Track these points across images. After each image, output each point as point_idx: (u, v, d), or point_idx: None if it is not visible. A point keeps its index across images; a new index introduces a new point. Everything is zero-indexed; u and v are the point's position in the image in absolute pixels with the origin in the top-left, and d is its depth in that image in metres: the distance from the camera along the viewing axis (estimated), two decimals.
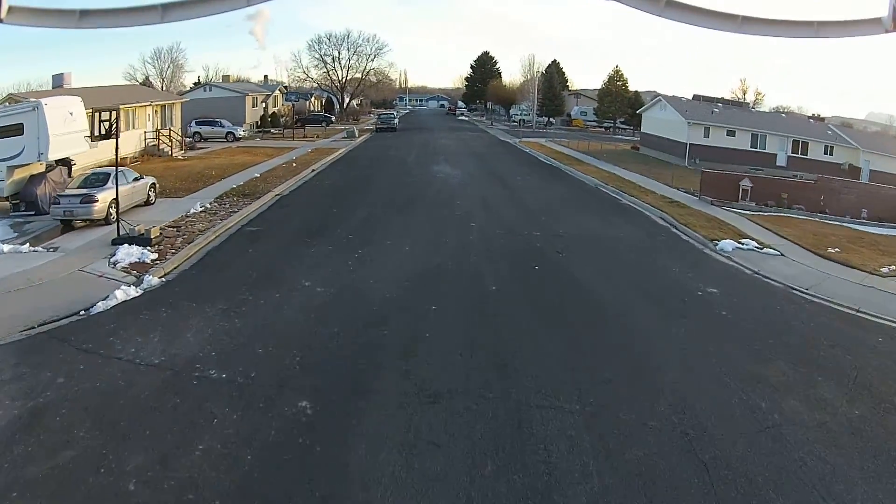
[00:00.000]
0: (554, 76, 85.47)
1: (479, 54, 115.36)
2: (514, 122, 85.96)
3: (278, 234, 16.53)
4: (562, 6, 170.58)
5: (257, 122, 56.37)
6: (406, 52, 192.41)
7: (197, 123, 45.10)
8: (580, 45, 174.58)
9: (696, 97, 48.37)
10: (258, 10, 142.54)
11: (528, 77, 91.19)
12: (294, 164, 30.51)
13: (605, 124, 79.25)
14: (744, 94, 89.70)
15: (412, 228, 17.37)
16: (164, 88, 72.71)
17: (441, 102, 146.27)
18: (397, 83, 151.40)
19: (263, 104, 58.37)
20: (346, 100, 79.84)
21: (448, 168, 31.04)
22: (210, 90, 53.96)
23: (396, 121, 65.17)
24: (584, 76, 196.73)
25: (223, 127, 44.44)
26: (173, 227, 16.78)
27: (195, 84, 76.26)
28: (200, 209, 19.05)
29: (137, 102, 33.23)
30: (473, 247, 15.41)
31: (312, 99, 79.65)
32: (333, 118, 70.17)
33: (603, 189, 26.44)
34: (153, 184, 20.20)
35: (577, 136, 58.79)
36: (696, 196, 24.61)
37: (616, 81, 76.30)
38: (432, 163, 33.25)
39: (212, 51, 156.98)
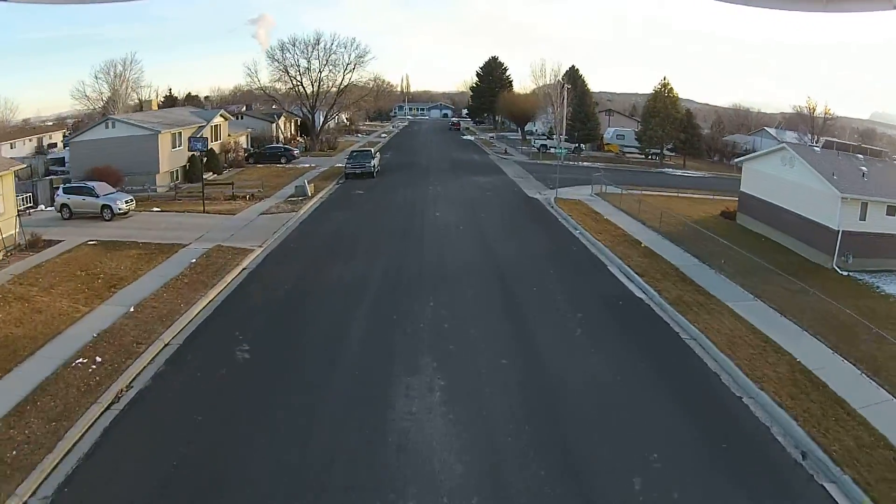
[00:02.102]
0: (586, 94, 68.16)
1: (487, 60, 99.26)
2: (532, 145, 69.44)
3: None
4: (560, 5, 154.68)
5: (185, 167, 40.11)
6: (408, 55, 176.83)
7: (65, 191, 29.02)
8: (580, 47, 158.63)
9: (827, 143, 31.90)
10: (261, 15, 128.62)
11: (541, 84, 73.93)
12: (93, 371, 13.14)
13: (651, 151, 62.74)
14: (812, 112, 73.17)
15: None
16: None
17: (444, 112, 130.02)
18: (399, 88, 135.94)
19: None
20: (320, 121, 63.31)
21: (436, 394, 13.57)
22: (112, 127, 37.71)
23: (375, 161, 44.16)
24: (592, 77, 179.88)
25: (96, 197, 28.17)
26: None
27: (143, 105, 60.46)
28: None
29: None
30: None
31: (281, 121, 63.29)
32: (297, 151, 53.51)
33: None
34: None
35: (622, 173, 42.50)
36: None
37: (664, 96, 59.81)
38: (405, 355, 15.38)
39: (213, 55, 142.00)
